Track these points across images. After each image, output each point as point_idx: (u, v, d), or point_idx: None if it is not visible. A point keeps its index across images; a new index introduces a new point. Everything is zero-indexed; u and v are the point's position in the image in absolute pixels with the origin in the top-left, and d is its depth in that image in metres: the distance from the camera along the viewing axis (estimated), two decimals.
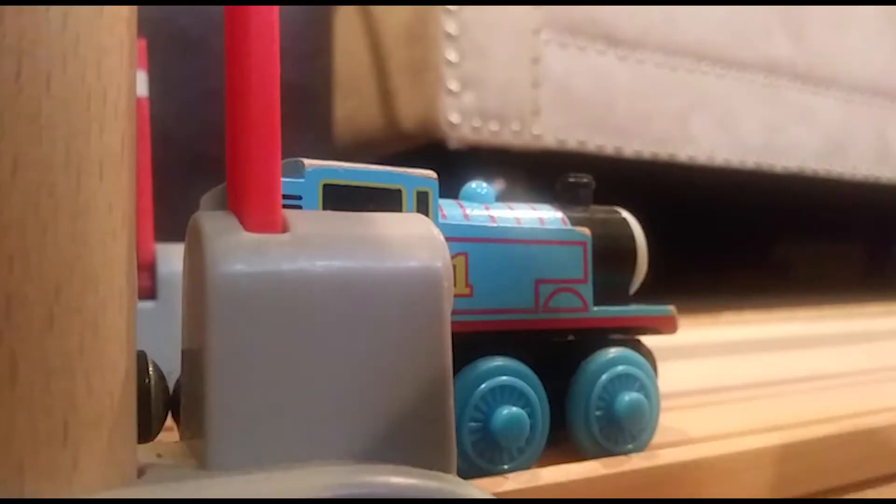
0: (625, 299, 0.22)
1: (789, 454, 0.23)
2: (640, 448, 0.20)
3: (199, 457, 0.12)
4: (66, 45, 0.11)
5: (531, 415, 0.19)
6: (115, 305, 0.11)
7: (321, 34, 0.66)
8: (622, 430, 0.20)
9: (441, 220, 0.18)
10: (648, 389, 0.21)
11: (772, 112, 0.67)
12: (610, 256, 0.21)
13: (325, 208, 0.16)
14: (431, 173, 0.19)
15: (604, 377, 0.20)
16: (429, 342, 0.13)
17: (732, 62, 0.65)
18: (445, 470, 0.13)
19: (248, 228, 0.12)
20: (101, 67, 0.11)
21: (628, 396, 0.20)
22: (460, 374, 0.18)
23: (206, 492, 0.11)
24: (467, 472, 0.18)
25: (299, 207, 0.16)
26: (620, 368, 0.20)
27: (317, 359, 0.12)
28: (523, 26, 0.54)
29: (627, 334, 0.21)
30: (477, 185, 0.21)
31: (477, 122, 0.54)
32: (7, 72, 0.10)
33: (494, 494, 0.18)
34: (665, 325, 0.22)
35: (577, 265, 0.20)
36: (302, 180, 0.17)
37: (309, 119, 0.64)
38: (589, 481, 0.19)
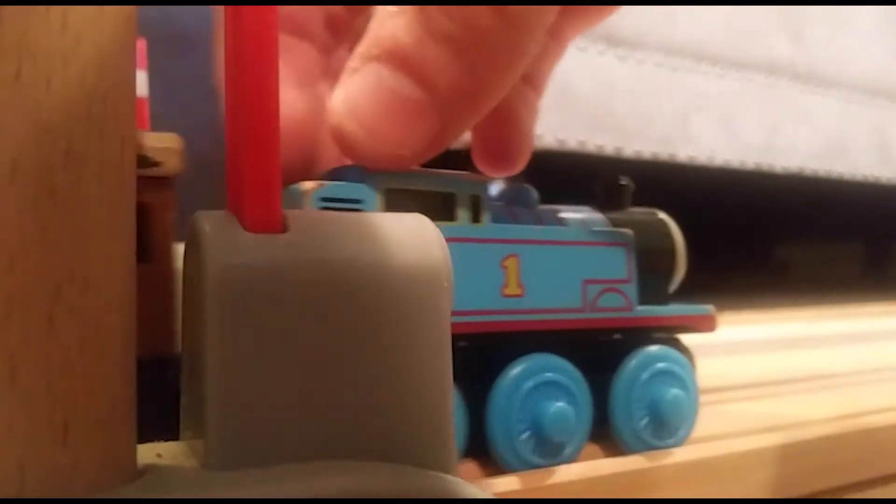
0: (664, 299, 0.23)
1: (789, 454, 0.23)
2: (679, 442, 0.21)
3: (199, 457, 0.12)
4: (66, 45, 0.11)
5: (576, 411, 0.19)
6: (115, 305, 0.11)
7: None
8: (664, 425, 0.21)
9: (493, 223, 0.19)
10: (689, 386, 0.21)
11: (772, 112, 0.67)
12: (650, 257, 0.22)
13: (385, 211, 0.18)
14: (482, 177, 0.20)
15: (646, 374, 0.21)
16: (429, 342, 0.13)
17: (732, 62, 0.65)
18: (445, 470, 0.13)
19: (247, 228, 0.12)
20: (101, 67, 0.11)
21: (671, 393, 0.21)
22: (509, 370, 0.19)
23: (206, 492, 0.11)
24: (516, 467, 0.19)
25: (359, 212, 0.16)
26: (663, 365, 0.21)
27: (317, 358, 0.12)
28: None
29: (668, 333, 0.22)
30: (524, 188, 0.22)
31: None
32: (7, 72, 0.10)
33: (495, 494, 0.18)
34: (704, 324, 0.23)
35: (622, 265, 0.21)
36: (364, 185, 0.18)
37: None
38: (588, 481, 0.19)
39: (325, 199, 0.17)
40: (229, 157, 0.13)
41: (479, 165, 0.24)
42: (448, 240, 0.17)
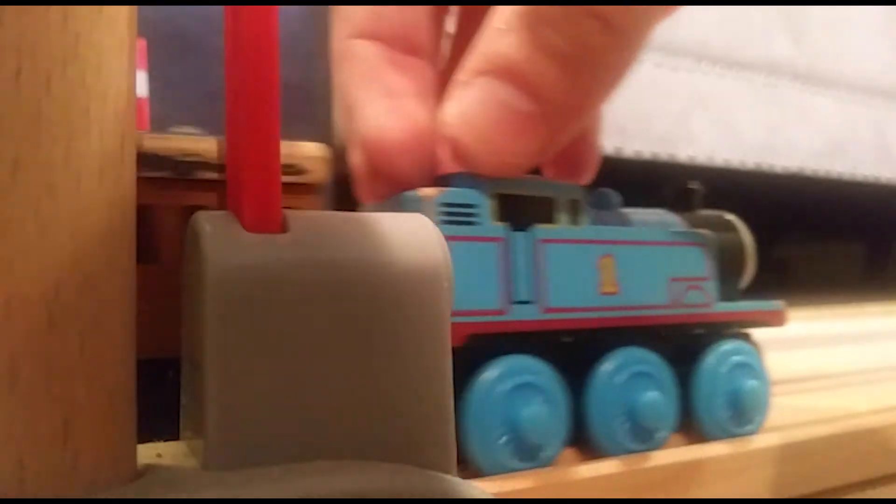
0: (736, 296, 0.24)
1: (789, 454, 0.23)
2: (754, 430, 0.23)
3: (199, 457, 0.12)
4: (66, 45, 0.11)
5: (666, 400, 0.21)
6: (115, 305, 0.11)
7: (321, 34, 0.66)
8: (743, 413, 0.23)
9: (590, 226, 0.21)
10: (763, 377, 0.23)
11: (772, 112, 0.67)
12: (722, 256, 0.24)
13: (497, 217, 0.19)
14: (580, 183, 0.22)
15: (726, 366, 0.23)
16: (429, 342, 0.13)
17: (732, 62, 0.65)
18: (445, 470, 0.13)
19: (247, 228, 0.12)
20: (101, 67, 0.11)
21: (749, 384, 0.23)
22: (604, 362, 0.21)
23: (206, 492, 0.11)
24: (613, 452, 0.20)
25: (474, 216, 0.19)
26: (740, 358, 0.23)
27: (317, 358, 0.12)
28: None
29: (742, 327, 0.24)
30: (606, 192, 0.23)
31: None
32: (7, 72, 0.10)
33: (495, 494, 0.18)
34: (776, 319, 0.24)
35: (703, 264, 0.23)
36: (477, 191, 0.19)
37: (309, 119, 0.64)
38: (589, 481, 0.19)
39: (444, 205, 0.19)
40: (229, 157, 0.13)
41: (552, 174, 0.25)
42: (550, 241, 0.20)
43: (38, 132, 0.10)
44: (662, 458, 0.20)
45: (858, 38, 0.74)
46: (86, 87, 0.11)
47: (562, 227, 0.21)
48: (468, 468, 0.19)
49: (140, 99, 0.25)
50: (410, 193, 0.19)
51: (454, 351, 0.16)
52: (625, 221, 0.23)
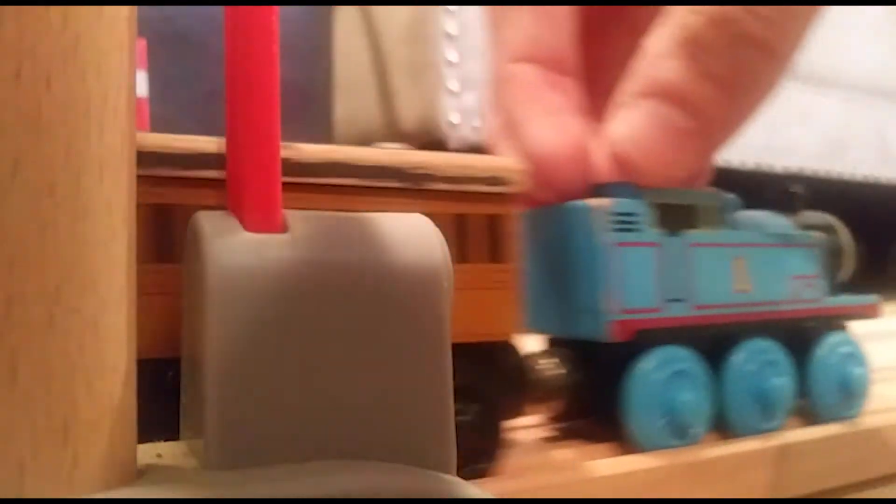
0: (836, 291, 0.27)
1: (789, 454, 0.23)
2: (857, 414, 0.26)
3: (199, 457, 0.12)
4: (66, 45, 0.11)
5: (789, 386, 0.24)
6: (115, 305, 0.11)
7: (321, 34, 0.66)
8: (851, 398, 0.25)
9: (725, 229, 0.24)
10: (866, 365, 0.26)
11: (772, 112, 0.67)
12: (826, 255, 0.26)
13: (655, 224, 0.22)
14: (724, 193, 0.25)
15: (835, 356, 0.25)
16: (429, 342, 0.13)
17: None
18: (445, 470, 0.13)
19: (247, 228, 0.12)
20: (101, 67, 0.11)
21: (857, 371, 0.25)
22: (738, 352, 0.23)
23: (206, 492, 0.11)
24: (746, 432, 0.23)
25: (636, 223, 0.22)
26: (848, 348, 0.26)
27: (316, 358, 0.12)
28: None
29: (845, 320, 0.27)
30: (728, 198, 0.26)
31: (477, 122, 0.54)
32: (7, 72, 0.10)
33: (496, 494, 0.18)
34: (872, 312, 0.27)
35: (814, 263, 0.26)
36: (638, 200, 0.22)
37: (309, 119, 0.64)
38: (587, 481, 0.19)
39: (613, 214, 0.22)
40: (230, 157, 0.13)
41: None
42: (697, 245, 0.23)
43: (38, 132, 0.10)
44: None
45: (858, 38, 0.74)
46: (86, 87, 0.11)
47: (704, 231, 0.24)
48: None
49: (140, 99, 0.25)
50: (579, 203, 0.22)
51: (623, 344, 0.22)
52: (752, 224, 0.26)
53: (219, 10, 0.13)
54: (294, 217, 0.13)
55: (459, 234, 0.19)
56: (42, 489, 0.10)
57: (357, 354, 0.13)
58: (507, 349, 0.20)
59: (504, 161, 0.20)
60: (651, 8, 0.26)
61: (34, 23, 0.10)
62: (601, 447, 0.22)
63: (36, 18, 0.10)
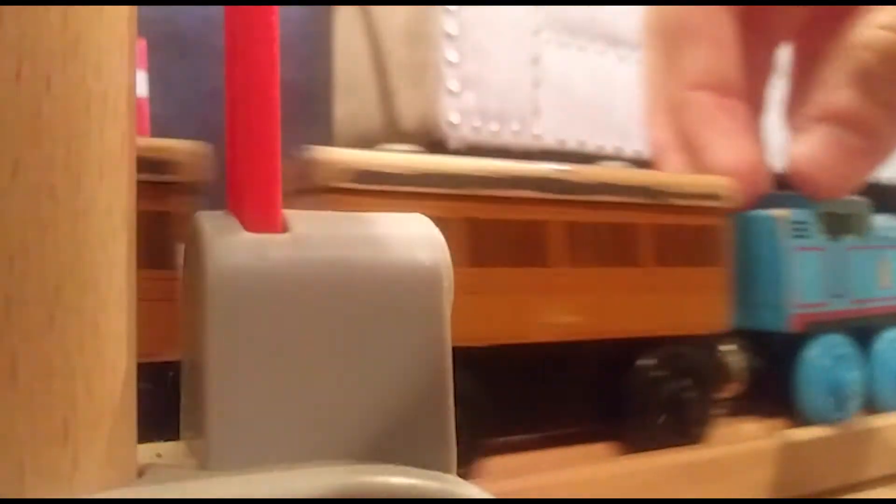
0: None
1: (789, 454, 0.23)
2: None
3: (199, 457, 0.12)
4: (66, 45, 0.11)
5: None
6: (115, 305, 0.11)
7: (321, 34, 0.66)
8: None
9: (871, 233, 0.30)
10: None
11: (771, 112, 0.67)
12: None
13: (822, 231, 0.28)
14: (868, 199, 0.30)
15: None
16: (429, 342, 0.13)
17: None
18: (445, 470, 0.13)
19: (248, 228, 0.12)
20: (101, 67, 0.11)
21: None
22: (880, 341, 0.29)
23: (206, 492, 0.11)
24: (888, 405, 0.29)
25: (808, 230, 0.27)
26: None
27: (317, 358, 0.12)
28: (523, 26, 0.54)
29: None
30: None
31: (477, 122, 0.54)
32: (7, 72, 0.10)
33: (495, 494, 0.18)
34: None
35: None
36: (810, 210, 0.28)
37: (309, 119, 0.64)
38: (587, 481, 0.19)
39: (792, 223, 0.27)
40: (230, 157, 0.13)
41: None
42: (853, 248, 0.29)
43: (38, 132, 0.10)
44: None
45: None
46: (86, 87, 0.11)
47: (857, 235, 0.29)
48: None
49: (140, 99, 0.25)
50: (763, 213, 0.27)
51: (793, 333, 0.27)
52: (891, 228, 0.30)
53: (219, 10, 0.13)
54: (294, 217, 0.13)
55: (693, 241, 0.23)
56: (42, 489, 0.10)
57: (357, 354, 0.13)
58: (711, 340, 0.25)
59: (719, 180, 0.25)
60: (786, 21, 0.32)
61: (34, 23, 0.10)
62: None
63: (36, 18, 0.10)
